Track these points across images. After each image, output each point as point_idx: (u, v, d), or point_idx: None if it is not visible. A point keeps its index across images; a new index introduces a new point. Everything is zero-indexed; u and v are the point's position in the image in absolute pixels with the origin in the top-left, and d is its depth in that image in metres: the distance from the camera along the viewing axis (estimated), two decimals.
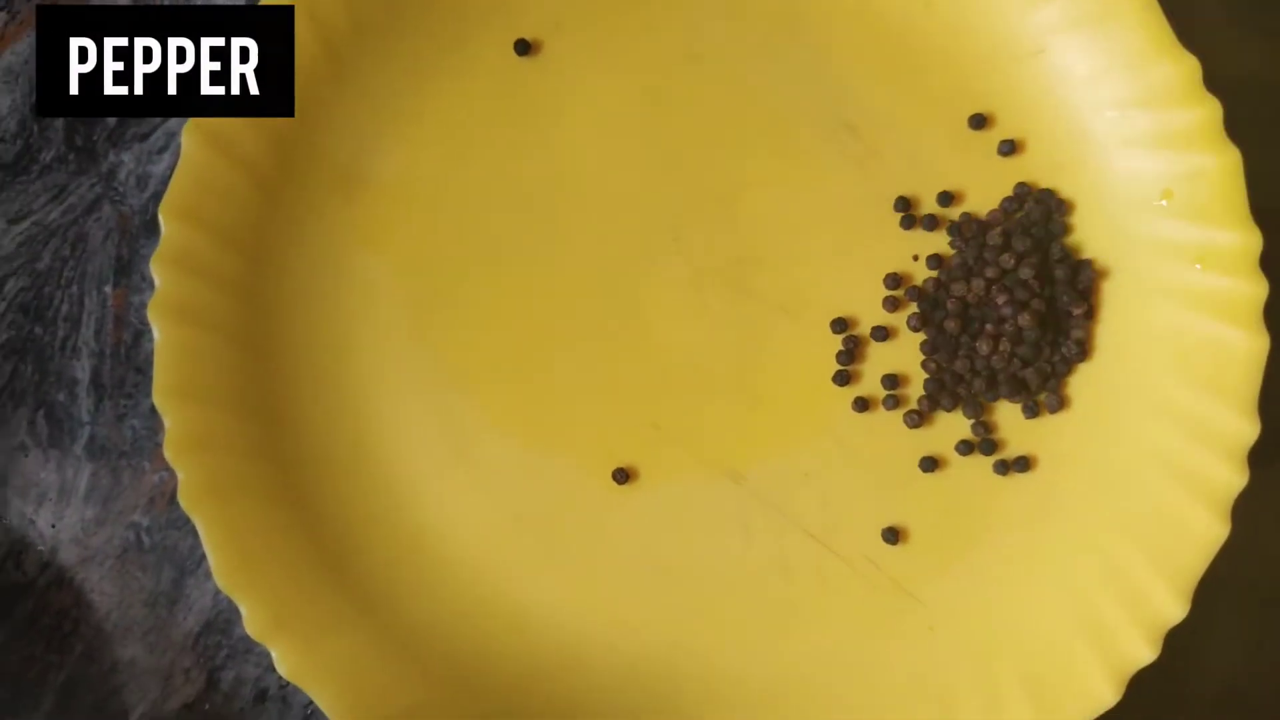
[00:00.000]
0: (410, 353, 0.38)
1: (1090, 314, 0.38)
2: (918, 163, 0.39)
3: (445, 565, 0.37)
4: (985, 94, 0.39)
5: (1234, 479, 0.35)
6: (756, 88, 0.40)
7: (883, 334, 0.38)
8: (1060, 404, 0.38)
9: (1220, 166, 0.37)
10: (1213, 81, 0.37)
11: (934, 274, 0.38)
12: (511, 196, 0.39)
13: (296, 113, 0.38)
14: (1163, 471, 0.36)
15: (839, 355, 0.38)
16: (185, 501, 0.35)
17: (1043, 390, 0.37)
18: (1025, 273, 0.37)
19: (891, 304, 0.38)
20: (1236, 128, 0.36)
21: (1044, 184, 0.39)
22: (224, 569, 0.35)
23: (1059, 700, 0.35)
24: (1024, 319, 0.37)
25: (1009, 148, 0.39)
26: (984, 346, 0.37)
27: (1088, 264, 0.38)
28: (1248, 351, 0.36)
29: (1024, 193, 0.38)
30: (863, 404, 0.38)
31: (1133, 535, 0.36)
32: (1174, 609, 0.34)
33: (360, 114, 0.39)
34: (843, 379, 0.38)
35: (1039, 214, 0.38)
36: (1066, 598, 0.36)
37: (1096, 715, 0.35)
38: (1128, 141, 0.38)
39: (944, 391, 0.38)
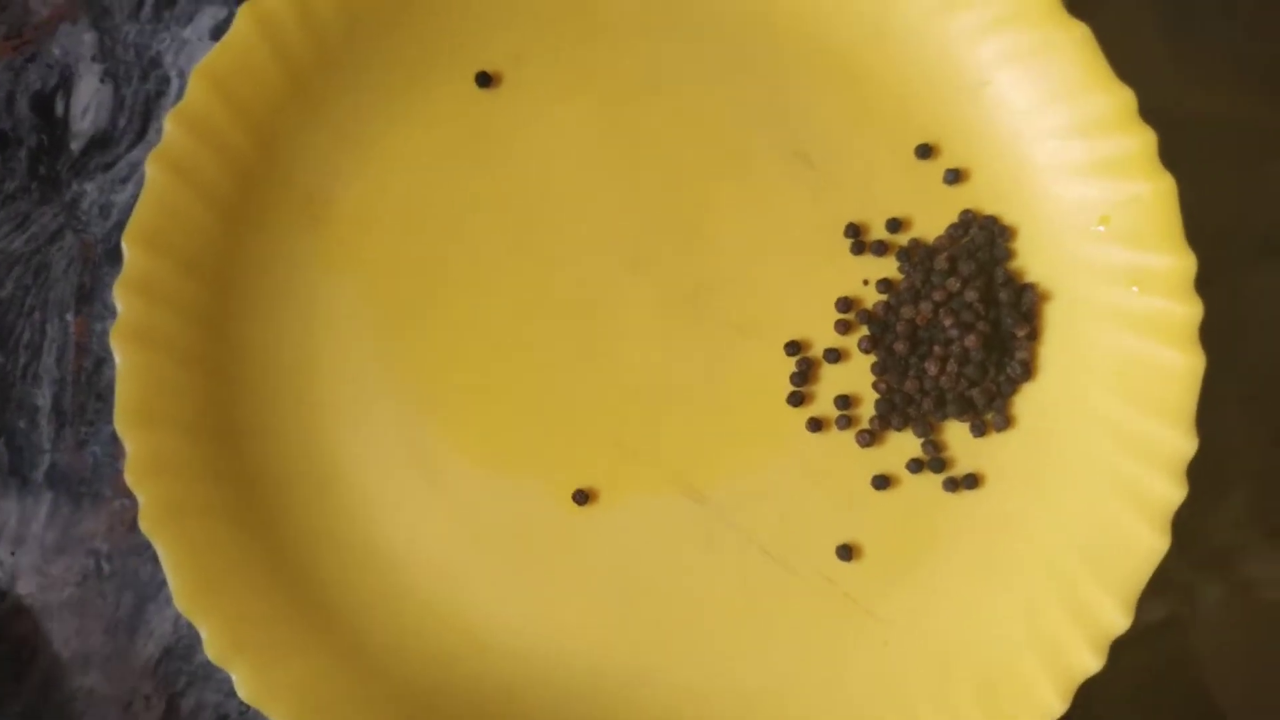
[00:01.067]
0: (374, 376, 0.39)
1: (1034, 335, 0.39)
2: (868, 190, 0.40)
3: (407, 587, 0.37)
4: (932, 124, 0.41)
5: (1173, 493, 0.36)
6: (714, 119, 0.41)
7: (835, 356, 0.39)
8: (1006, 423, 0.39)
9: (1155, 193, 0.38)
10: (1148, 113, 0.38)
11: (884, 298, 0.40)
12: (475, 223, 0.40)
13: (261, 142, 0.39)
14: (1105, 487, 0.37)
15: (793, 376, 0.39)
16: (145, 525, 0.35)
17: (989, 410, 0.39)
18: (970, 296, 0.39)
19: (843, 327, 0.40)
20: (1173, 157, 0.38)
21: (988, 210, 0.40)
22: (184, 592, 0.35)
23: (1011, 711, 0.36)
24: (970, 340, 0.38)
25: (954, 176, 0.40)
26: (932, 368, 0.38)
27: (1030, 288, 0.39)
28: (1184, 370, 0.37)
29: (969, 219, 0.40)
30: (816, 424, 0.39)
31: (1078, 548, 0.37)
32: (1118, 619, 0.36)
33: (324, 142, 0.40)
34: (797, 400, 0.39)
35: (983, 239, 0.39)
36: (1016, 610, 0.37)
37: None
38: (1067, 169, 0.39)
39: (894, 411, 0.39)
